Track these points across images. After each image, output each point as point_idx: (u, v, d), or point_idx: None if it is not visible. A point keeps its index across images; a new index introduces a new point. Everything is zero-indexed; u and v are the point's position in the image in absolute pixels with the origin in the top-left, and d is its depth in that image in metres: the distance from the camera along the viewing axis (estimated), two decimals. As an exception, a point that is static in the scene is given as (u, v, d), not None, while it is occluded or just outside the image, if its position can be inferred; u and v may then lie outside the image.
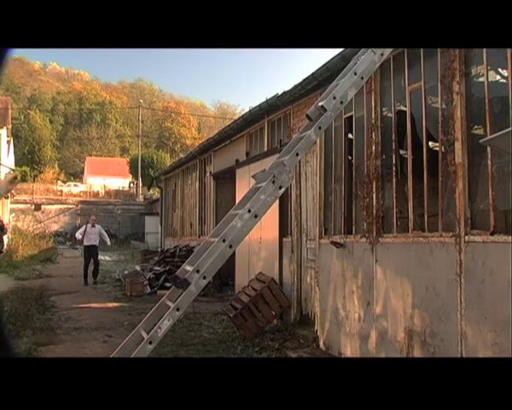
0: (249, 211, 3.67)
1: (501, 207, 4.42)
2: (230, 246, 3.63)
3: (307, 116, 4.02)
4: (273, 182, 3.71)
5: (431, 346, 4.89)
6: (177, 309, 3.46)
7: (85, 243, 14.51)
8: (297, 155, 3.80)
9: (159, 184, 22.28)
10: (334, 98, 3.88)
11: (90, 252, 14.39)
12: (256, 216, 3.69)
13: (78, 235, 14.92)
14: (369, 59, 4.02)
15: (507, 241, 4.06)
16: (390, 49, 4.27)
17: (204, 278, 3.54)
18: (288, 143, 4.12)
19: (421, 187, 5.36)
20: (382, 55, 4.08)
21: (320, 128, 3.85)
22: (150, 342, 3.37)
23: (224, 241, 3.61)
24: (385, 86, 6.06)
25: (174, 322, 3.48)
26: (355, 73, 3.97)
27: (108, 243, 15.48)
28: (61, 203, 38.33)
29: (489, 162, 4.37)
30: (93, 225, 14.59)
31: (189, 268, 3.67)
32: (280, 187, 3.73)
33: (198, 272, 3.54)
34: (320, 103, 3.92)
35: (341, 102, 3.94)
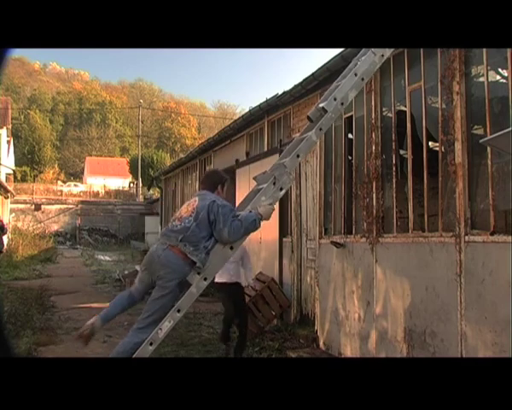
0: (250, 212, 3.67)
1: (501, 207, 4.43)
2: (231, 248, 3.64)
3: (308, 117, 4.02)
4: (274, 183, 3.71)
5: (431, 346, 4.89)
6: (178, 310, 3.46)
7: (217, 279, 6.62)
8: (298, 156, 3.79)
9: (159, 184, 22.30)
10: (335, 100, 3.87)
11: (229, 295, 6.68)
12: (257, 218, 3.68)
13: None
14: (369, 60, 4.01)
15: (507, 241, 4.06)
16: (390, 51, 4.26)
17: (205, 279, 3.55)
18: (289, 145, 4.11)
19: (421, 187, 5.36)
20: (383, 56, 4.08)
21: (321, 130, 3.85)
22: (151, 344, 3.37)
23: (224, 242, 3.60)
24: (385, 86, 6.06)
25: (175, 323, 3.48)
26: (355, 74, 3.97)
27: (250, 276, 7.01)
28: (61, 203, 38.30)
29: (489, 162, 4.37)
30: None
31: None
32: (281, 189, 3.73)
33: (199, 273, 3.55)
34: (321, 105, 3.91)
35: (342, 104, 3.93)
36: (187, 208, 3.84)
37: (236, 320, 6.45)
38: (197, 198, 3.89)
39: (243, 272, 6.60)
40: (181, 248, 3.61)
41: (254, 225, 3.66)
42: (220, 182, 4.12)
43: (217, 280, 6.20)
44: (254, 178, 4.17)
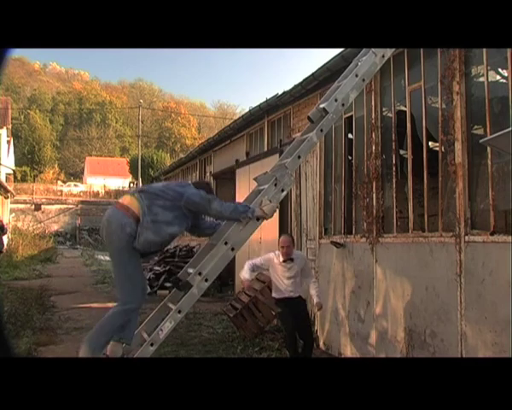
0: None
1: (501, 207, 4.43)
2: (232, 249, 3.63)
3: (309, 118, 4.02)
4: (275, 185, 3.70)
5: (431, 346, 4.89)
6: (179, 312, 3.46)
7: (277, 296, 5.76)
8: (299, 157, 3.79)
9: (159, 185, 22.25)
10: (336, 100, 3.87)
11: (293, 311, 5.61)
12: (258, 219, 3.69)
13: (247, 274, 5.75)
14: (370, 61, 4.01)
15: (507, 241, 4.06)
16: (391, 51, 4.26)
17: (206, 280, 3.54)
18: (290, 146, 4.11)
19: (421, 187, 5.36)
20: (383, 56, 4.08)
21: (322, 131, 3.85)
22: (152, 344, 3.37)
23: (226, 244, 3.60)
24: (385, 86, 6.06)
25: (176, 324, 3.48)
26: (356, 75, 3.97)
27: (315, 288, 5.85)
28: (61, 203, 38.33)
29: (489, 162, 4.37)
30: (288, 256, 5.60)
31: (190, 271, 3.67)
32: (282, 190, 3.72)
33: (200, 274, 3.54)
34: (321, 105, 3.91)
35: (343, 105, 3.93)
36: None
37: (302, 335, 5.58)
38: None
39: (313, 287, 5.65)
40: (136, 199, 3.55)
41: (244, 212, 3.64)
42: (204, 188, 3.86)
43: (275, 296, 5.73)
44: (255, 179, 4.17)
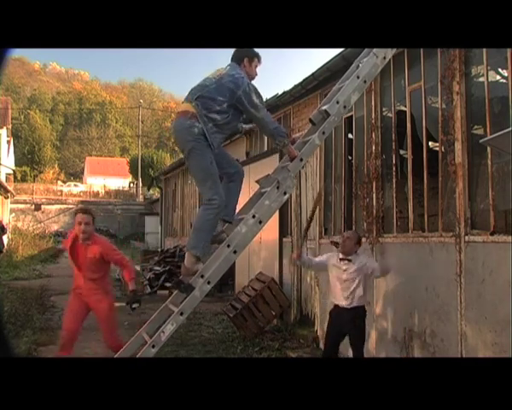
0: (254, 216, 3.65)
1: (501, 207, 4.43)
2: (235, 251, 3.62)
3: (310, 120, 4.01)
4: (277, 188, 3.69)
5: (431, 346, 4.89)
6: (181, 314, 3.46)
7: (333, 301, 4.93)
8: (301, 160, 3.78)
9: (159, 184, 22.28)
10: (338, 103, 3.86)
11: (340, 327, 4.76)
12: (260, 222, 3.68)
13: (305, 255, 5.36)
14: (371, 62, 4.00)
15: (507, 241, 4.06)
16: (392, 52, 4.25)
17: (208, 283, 3.52)
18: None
19: (421, 187, 5.36)
20: (385, 58, 4.07)
21: (324, 133, 3.84)
22: (153, 346, 3.37)
23: (228, 246, 3.59)
24: (385, 86, 6.06)
25: (177, 326, 3.47)
26: (358, 77, 3.96)
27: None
28: (61, 203, 38.32)
29: (489, 162, 4.37)
30: (344, 254, 4.80)
31: (192, 272, 3.66)
32: (285, 193, 3.71)
33: (202, 277, 3.53)
34: (323, 108, 3.90)
35: (344, 107, 3.92)
36: (214, 74, 3.78)
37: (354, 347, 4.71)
38: (228, 67, 3.81)
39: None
40: (193, 107, 3.59)
41: (283, 136, 3.73)
42: (246, 55, 3.84)
43: (337, 303, 4.80)
44: (257, 182, 4.15)
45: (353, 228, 6.40)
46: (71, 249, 4.81)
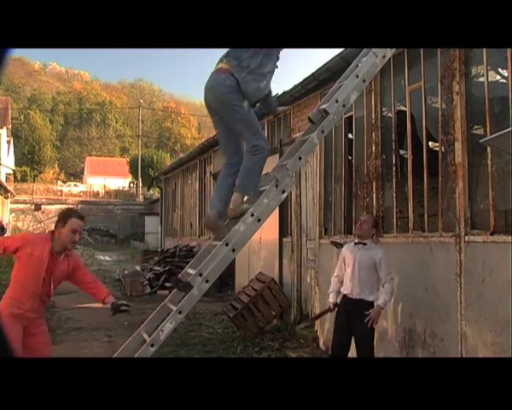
0: (252, 215, 3.65)
1: (501, 207, 4.43)
2: (233, 250, 3.61)
3: (309, 119, 4.01)
4: (276, 186, 3.69)
5: (431, 346, 4.89)
6: (180, 312, 3.45)
7: (343, 291, 4.84)
8: (300, 158, 3.78)
9: (159, 184, 22.29)
10: (337, 102, 3.86)
11: (349, 323, 4.71)
12: (259, 220, 3.67)
13: (332, 297, 4.96)
14: (371, 61, 4.00)
15: (507, 241, 4.06)
16: (392, 52, 4.25)
17: (207, 281, 3.52)
18: (291, 147, 4.10)
19: (421, 187, 5.36)
20: (384, 57, 4.07)
21: (323, 132, 3.84)
22: (152, 345, 3.37)
23: (227, 244, 3.59)
24: (385, 86, 6.07)
25: (176, 325, 3.48)
26: (357, 76, 3.95)
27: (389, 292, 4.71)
28: (61, 203, 38.22)
29: (489, 162, 4.37)
30: (360, 237, 4.85)
31: (191, 271, 3.66)
32: (283, 191, 3.71)
33: (201, 275, 3.53)
34: (322, 106, 3.90)
35: (344, 106, 3.92)
36: None
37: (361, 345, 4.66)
38: None
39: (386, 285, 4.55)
40: (225, 63, 3.62)
41: None
42: None
43: (345, 292, 4.66)
44: None
45: (353, 228, 6.40)
46: (42, 256, 3.74)
